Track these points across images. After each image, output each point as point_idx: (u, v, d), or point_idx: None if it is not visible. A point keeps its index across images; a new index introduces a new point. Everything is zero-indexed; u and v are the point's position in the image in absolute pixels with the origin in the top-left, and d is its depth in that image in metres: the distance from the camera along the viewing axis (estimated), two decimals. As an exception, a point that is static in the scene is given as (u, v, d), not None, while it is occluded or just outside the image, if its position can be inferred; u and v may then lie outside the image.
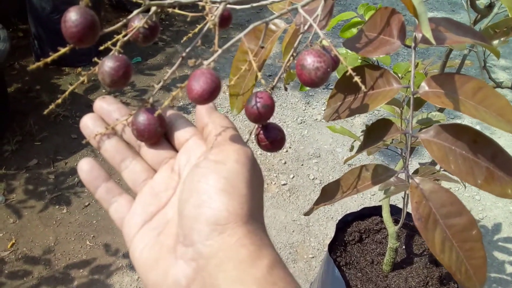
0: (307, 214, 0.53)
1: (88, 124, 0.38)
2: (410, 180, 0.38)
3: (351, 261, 1.18)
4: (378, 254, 1.20)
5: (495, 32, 0.55)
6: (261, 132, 0.40)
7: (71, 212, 1.68)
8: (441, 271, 1.17)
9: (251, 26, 0.41)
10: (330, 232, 1.68)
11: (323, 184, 1.86)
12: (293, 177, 1.90)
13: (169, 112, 0.39)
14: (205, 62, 0.33)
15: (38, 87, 2.22)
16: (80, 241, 1.58)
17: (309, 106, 2.30)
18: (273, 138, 0.39)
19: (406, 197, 1.03)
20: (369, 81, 0.41)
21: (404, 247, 1.22)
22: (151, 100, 0.39)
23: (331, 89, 2.42)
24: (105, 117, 0.38)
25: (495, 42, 0.70)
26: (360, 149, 0.43)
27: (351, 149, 1.19)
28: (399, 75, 0.92)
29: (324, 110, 2.31)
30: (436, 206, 0.38)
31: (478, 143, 0.38)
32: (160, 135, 0.38)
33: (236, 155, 0.32)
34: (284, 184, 1.86)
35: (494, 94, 0.37)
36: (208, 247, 0.29)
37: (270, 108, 0.37)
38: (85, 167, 0.37)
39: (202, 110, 0.36)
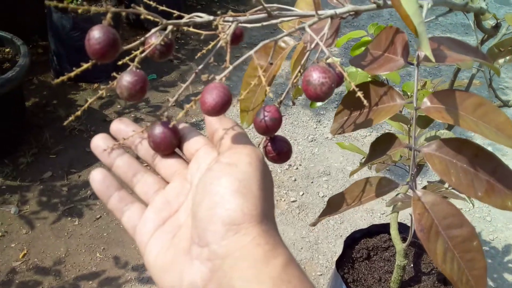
0: (313, 225, 0.54)
1: (99, 144, 0.40)
2: (413, 193, 0.40)
3: (358, 278, 1.19)
4: (385, 271, 1.20)
5: (499, 51, 0.57)
6: (269, 144, 0.42)
7: (82, 224, 1.71)
8: (450, 291, 1.16)
9: (261, 44, 0.43)
10: (338, 250, 1.67)
11: (332, 202, 1.87)
12: (303, 194, 1.91)
13: (181, 125, 0.41)
14: (217, 77, 0.35)
15: (55, 102, 2.27)
16: (91, 253, 1.60)
17: (320, 125, 2.31)
18: (279, 150, 0.41)
19: (412, 219, 1.04)
20: (374, 97, 0.43)
21: (412, 265, 1.22)
22: (166, 114, 0.41)
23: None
24: (122, 137, 0.40)
25: (501, 61, 0.72)
26: (365, 162, 0.45)
27: (360, 166, 1.20)
28: (408, 93, 0.94)
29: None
30: (438, 218, 0.39)
31: (479, 157, 0.39)
32: (175, 146, 0.40)
33: (249, 158, 0.33)
34: (293, 201, 1.87)
35: (494, 110, 0.38)
36: (223, 247, 0.29)
37: (277, 121, 0.39)
38: (98, 177, 0.38)
39: (213, 121, 0.38)
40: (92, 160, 1.97)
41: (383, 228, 1.27)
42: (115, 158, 0.39)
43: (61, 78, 0.37)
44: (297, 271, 0.29)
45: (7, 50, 1.92)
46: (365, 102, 0.34)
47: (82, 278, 1.52)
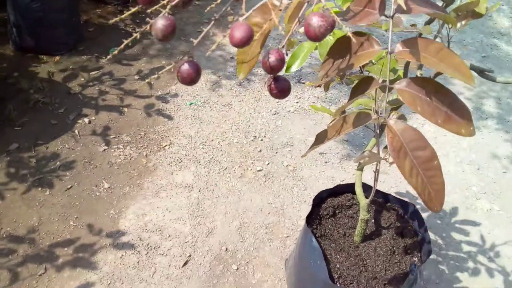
0: (304, 156, 0.62)
1: None
2: (386, 121, 0.48)
3: (325, 233, 1.29)
4: (349, 227, 1.32)
5: (457, 15, 0.66)
6: (273, 82, 0.49)
7: (53, 194, 1.73)
8: (406, 242, 1.29)
9: (260, 3, 0.50)
10: (303, 214, 1.78)
11: (296, 171, 1.97)
12: (268, 164, 2.00)
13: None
14: (241, 19, 0.42)
15: (16, 74, 2.24)
16: (64, 222, 1.63)
17: (283, 99, 2.40)
18: (281, 87, 0.49)
19: (376, 173, 1.15)
20: (355, 46, 0.51)
21: (373, 221, 1.33)
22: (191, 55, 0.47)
23: (302, 83, 2.54)
24: None
25: (459, 25, 0.81)
26: (349, 101, 0.53)
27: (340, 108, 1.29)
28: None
29: (294, 103, 2.40)
30: (406, 141, 0.48)
31: (439, 93, 0.48)
32: (197, 80, 0.47)
33: None
34: (259, 170, 1.96)
35: (451, 54, 0.48)
36: None
37: (281, 62, 0.47)
38: None
39: None
40: (59, 132, 1.98)
41: (347, 188, 1.38)
42: None
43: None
44: None
45: (-32, 19, 1.88)
46: (353, 39, 0.42)
47: (57, 245, 1.56)
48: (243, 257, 1.61)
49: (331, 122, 0.55)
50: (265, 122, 2.22)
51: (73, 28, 2.49)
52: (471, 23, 3.07)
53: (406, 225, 1.33)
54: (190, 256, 1.59)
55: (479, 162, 2.15)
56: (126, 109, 2.17)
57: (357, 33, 0.50)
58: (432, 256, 1.69)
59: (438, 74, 0.92)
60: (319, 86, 1.21)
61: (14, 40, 2.36)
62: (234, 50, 2.71)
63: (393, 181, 1.98)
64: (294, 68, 1.03)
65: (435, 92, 0.48)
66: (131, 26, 2.75)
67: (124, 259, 1.55)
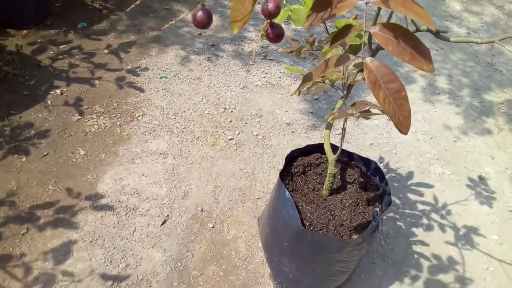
0: (292, 94, 0.73)
1: None
2: (364, 60, 0.60)
3: (296, 188, 1.42)
4: (318, 183, 1.45)
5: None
6: (269, 28, 0.60)
7: (30, 160, 1.77)
8: (368, 195, 1.43)
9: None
10: (273, 179, 1.91)
11: (265, 139, 2.09)
12: (239, 133, 2.10)
13: None
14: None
15: (-17, 46, 2.22)
16: (42, 186, 1.68)
17: (250, 74, 2.50)
18: (277, 32, 0.60)
19: (343, 132, 1.27)
20: (336, 1, 0.62)
21: (339, 177, 1.47)
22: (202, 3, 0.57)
23: (269, 59, 2.65)
24: None
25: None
26: (331, 46, 0.64)
27: (298, 93, 1.41)
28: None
29: (261, 77, 2.50)
30: (380, 75, 0.60)
31: (405, 36, 0.60)
32: (209, 24, 0.56)
33: None
34: (230, 139, 2.06)
35: (414, 4, 0.59)
36: None
37: (278, 8, 0.57)
38: None
39: None
40: (31, 103, 2.00)
41: (316, 148, 1.50)
42: None
43: None
44: None
45: None
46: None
47: (37, 208, 1.61)
48: (218, 217, 1.72)
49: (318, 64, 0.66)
50: (234, 95, 2.32)
51: (40, 3, 2.48)
52: (424, 6, 3.26)
53: (369, 180, 1.48)
54: (168, 216, 1.68)
55: (432, 133, 2.33)
56: (97, 82, 2.21)
57: (339, -13, 0.61)
58: (390, 214, 1.86)
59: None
60: (291, 52, 1.32)
61: (-21, 11, 2.33)
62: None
63: (355, 149, 2.13)
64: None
65: (402, 35, 0.60)
66: (98, 2, 2.76)
67: (104, 219, 1.62)
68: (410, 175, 2.08)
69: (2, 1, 2.28)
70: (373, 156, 2.12)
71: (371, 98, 2.46)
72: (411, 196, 1.96)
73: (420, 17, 0.58)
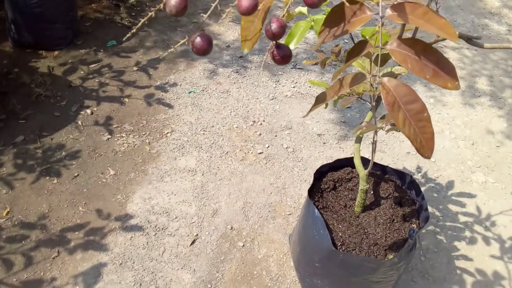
0: (305, 116, 0.68)
1: None
2: (381, 79, 0.54)
3: (327, 206, 1.35)
4: (350, 199, 1.38)
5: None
6: (275, 49, 0.55)
7: (61, 182, 1.78)
8: (404, 211, 1.35)
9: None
10: (304, 193, 1.84)
11: (296, 152, 2.03)
12: (268, 146, 2.05)
13: None
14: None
15: (16, 70, 2.28)
16: (73, 208, 1.69)
17: (279, 84, 2.45)
18: (283, 54, 0.55)
19: (374, 145, 1.20)
20: (349, 14, 0.57)
21: (372, 192, 1.39)
22: (203, 28, 0.52)
23: (299, 68, 2.59)
24: None
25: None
26: (346, 63, 0.59)
27: (326, 106, 1.35)
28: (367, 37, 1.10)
29: (291, 87, 2.45)
30: (399, 96, 0.54)
31: (427, 52, 0.54)
32: (210, 51, 0.52)
33: None
34: (260, 153, 2.01)
35: (436, 16, 0.53)
36: None
37: (282, 29, 0.52)
38: None
39: None
40: (62, 123, 2.02)
41: (347, 163, 1.44)
42: None
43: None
44: None
45: (-30, 16, 1.92)
46: (347, 6, 0.48)
47: (68, 230, 1.61)
48: (249, 235, 1.67)
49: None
50: (263, 107, 2.27)
51: (71, 23, 2.52)
52: (462, 4, 3.13)
53: (404, 194, 1.39)
54: (197, 235, 1.65)
55: (473, 138, 2.21)
56: (126, 100, 2.22)
57: (350, 2, 0.56)
58: (430, 227, 1.76)
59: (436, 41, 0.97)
60: (316, 63, 1.26)
61: (13, 36, 2.40)
62: (229, 39, 2.75)
63: (390, 159, 2.04)
64: (291, 47, 1.08)
65: (423, 51, 0.54)
66: (127, 19, 2.79)
67: (133, 240, 1.61)
68: (450, 184, 1.97)
69: (33, 23, 2.33)
70: (410, 165, 2.02)
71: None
72: (452, 207, 1.85)
73: (443, 31, 0.52)
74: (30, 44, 2.42)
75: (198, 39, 0.50)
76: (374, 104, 1.16)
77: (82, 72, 2.35)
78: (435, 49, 0.54)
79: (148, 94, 2.27)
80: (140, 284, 1.49)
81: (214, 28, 2.81)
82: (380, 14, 0.54)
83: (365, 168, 1.31)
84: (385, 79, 0.53)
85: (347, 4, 0.52)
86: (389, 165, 1.99)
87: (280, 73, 2.53)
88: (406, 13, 0.53)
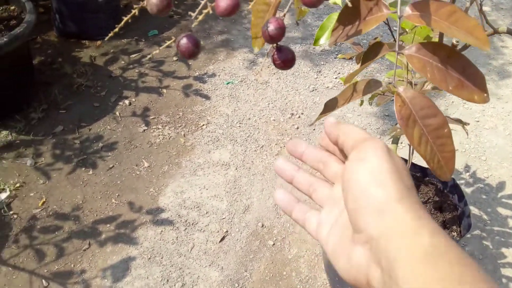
0: (311, 125, 0.61)
1: (283, 166, 0.47)
2: (395, 89, 0.46)
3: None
4: (384, 203, 1.29)
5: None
6: (275, 53, 0.48)
7: (96, 173, 1.79)
8: (444, 217, 1.25)
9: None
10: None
11: (334, 147, 1.95)
12: (306, 140, 1.98)
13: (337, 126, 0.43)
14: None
15: (60, 59, 2.32)
16: (106, 200, 1.70)
17: (321, 75, 2.36)
18: (285, 58, 0.48)
19: (411, 148, 1.11)
20: (364, 11, 0.49)
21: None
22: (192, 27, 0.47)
23: (343, 58, 2.48)
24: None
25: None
26: (362, 66, 0.51)
27: (361, 103, 1.27)
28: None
29: (333, 78, 2.36)
30: (415, 109, 0.46)
31: (451, 58, 0.46)
32: (196, 54, 0.46)
33: (372, 151, 0.37)
34: (296, 147, 1.94)
35: (465, 17, 0.45)
36: (374, 229, 0.34)
37: (280, 30, 0.45)
38: (281, 195, 0.47)
39: (330, 129, 0.42)
40: (100, 114, 2.04)
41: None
42: (295, 174, 0.47)
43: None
44: (444, 239, 0.32)
45: (13, 7, 1.96)
46: (349, 3, 0.41)
47: (100, 222, 1.62)
48: (279, 233, 1.62)
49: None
50: (302, 99, 2.20)
51: (113, 13, 2.54)
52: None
53: (445, 199, 1.29)
54: (227, 232, 1.61)
55: (529, 135, 2.04)
56: (165, 90, 2.21)
57: (365, -2, 0.48)
58: (475, 232, 1.63)
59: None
60: (351, 58, 1.18)
61: (58, 26, 2.44)
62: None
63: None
64: (322, 41, 1.00)
65: (448, 57, 0.46)
66: (168, 7, 2.77)
67: (163, 235, 1.60)
68: (501, 185, 1.82)
69: (77, 13, 2.36)
70: (457, 164, 1.88)
71: (451, 104, 2.22)
72: (502, 211, 1.72)
73: (472, 35, 0.43)
74: (74, 34, 2.46)
75: (183, 40, 0.44)
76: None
77: (123, 62, 2.37)
78: (462, 55, 0.46)
79: (186, 85, 2.25)
80: (167, 280, 1.47)
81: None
82: (398, 14, 0.47)
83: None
84: (401, 88, 0.46)
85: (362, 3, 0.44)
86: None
87: (322, 63, 2.43)
88: (430, 13, 0.45)
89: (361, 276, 0.35)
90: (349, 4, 0.42)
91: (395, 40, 1.04)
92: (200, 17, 0.42)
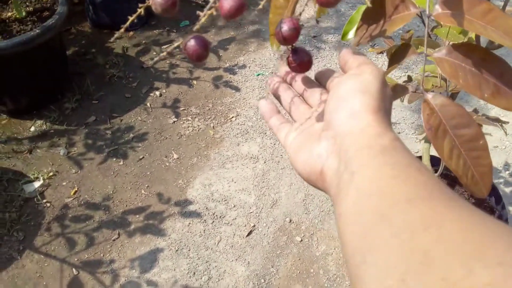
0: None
1: (274, 81, 0.52)
2: (424, 95, 0.43)
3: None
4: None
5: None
6: (291, 55, 0.45)
7: (127, 164, 1.81)
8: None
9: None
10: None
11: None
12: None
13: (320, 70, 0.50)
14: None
15: (93, 50, 2.35)
16: (136, 190, 1.72)
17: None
18: (300, 60, 0.45)
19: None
20: (389, 9, 0.46)
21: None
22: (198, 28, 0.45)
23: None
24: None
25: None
26: (389, 68, 0.48)
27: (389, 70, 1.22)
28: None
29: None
30: (445, 118, 0.42)
31: (487, 61, 0.42)
32: (205, 56, 0.44)
33: (370, 70, 0.40)
34: (327, 141, 1.91)
35: (503, 15, 0.41)
36: (344, 128, 0.37)
37: (293, 31, 0.43)
38: (264, 103, 0.50)
39: (345, 54, 0.44)
40: (132, 105, 2.06)
41: (414, 161, 1.29)
42: (282, 92, 0.51)
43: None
44: (402, 144, 0.35)
45: (46, -1, 1.99)
46: (368, 3, 0.37)
47: (129, 213, 1.64)
48: (308, 229, 1.59)
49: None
50: (334, 91, 2.15)
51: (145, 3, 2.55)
52: None
53: (482, 201, 1.23)
54: (254, 226, 1.60)
55: None
56: (195, 82, 2.21)
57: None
58: (513, 234, 1.56)
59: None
60: (381, 52, 1.13)
61: (91, 17, 2.47)
62: (303, 17, 2.63)
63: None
64: (350, 35, 0.96)
65: (482, 60, 0.42)
66: (201, -3, 2.76)
67: (191, 227, 1.60)
68: (543, 185, 1.73)
69: (110, 3, 2.37)
70: (497, 162, 1.80)
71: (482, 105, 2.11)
72: (544, 212, 1.63)
73: (508, 36, 0.39)
74: (107, 25, 2.48)
75: (191, 42, 0.42)
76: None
77: (154, 53, 2.37)
78: (499, 58, 0.42)
79: (216, 76, 2.23)
80: (194, 273, 1.48)
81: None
82: (427, 12, 0.43)
83: (436, 170, 1.18)
84: (429, 95, 0.42)
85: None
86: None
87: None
88: (463, 11, 0.41)
89: (317, 165, 0.39)
90: (369, 4, 0.38)
91: (430, 37, 0.99)
92: (203, 19, 0.40)
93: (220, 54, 2.37)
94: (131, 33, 2.49)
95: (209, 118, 2.02)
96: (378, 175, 0.32)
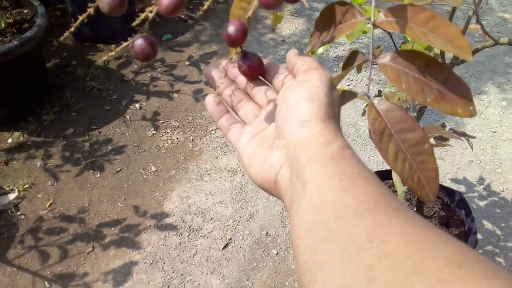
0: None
1: (213, 75, 0.51)
2: (370, 99, 0.44)
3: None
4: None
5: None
6: (240, 59, 0.46)
7: (104, 176, 1.80)
8: (451, 232, 1.20)
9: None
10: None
11: (344, 155, 1.91)
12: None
13: (266, 61, 0.49)
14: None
15: (74, 63, 2.34)
16: (112, 203, 1.70)
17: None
18: (250, 64, 0.46)
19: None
20: (339, 17, 0.47)
21: (415, 209, 1.26)
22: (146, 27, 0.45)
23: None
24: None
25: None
26: (343, 70, 0.49)
27: (363, 113, 1.23)
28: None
29: (345, 85, 2.32)
30: (391, 122, 0.43)
31: (431, 67, 0.43)
32: (152, 56, 0.44)
33: (318, 76, 0.41)
34: (305, 155, 1.91)
35: (445, 23, 0.42)
36: (295, 137, 0.38)
37: (240, 32, 0.43)
38: (211, 100, 0.49)
39: (292, 56, 0.44)
40: (111, 118, 2.05)
41: (387, 175, 1.31)
42: (225, 88, 0.50)
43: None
44: (351, 152, 0.37)
45: (26, 11, 1.99)
46: (306, 4, 0.38)
47: (105, 225, 1.62)
48: (284, 242, 1.59)
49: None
50: (314, 106, 2.17)
51: (128, 17, 2.55)
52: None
53: (452, 214, 1.25)
54: (230, 239, 1.59)
55: (549, 147, 1.96)
56: (175, 95, 2.21)
57: (340, 3, 0.46)
58: (488, 247, 1.58)
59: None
60: (352, 67, 1.14)
61: (73, 30, 2.47)
62: (285, 33, 2.66)
63: (450, 168, 1.86)
64: (321, 50, 0.98)
65: (427, 66, 0.43)
66: (184, 12, 2.78)
67: (167, 240, 1.59)
68: (517, 199, 1.76)
69: (92, 17, 2.37)
70: (471, 176, 1.83)
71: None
72: (517, 226, 1.65)
73: (452, 43, 0.40)
74: (89, 38, 2.48)
75: (138, 42, 0.42)
76: (415, 114, 1.03)
77: (135, 66, 2.38)
78: (442, 64, 0.43)
79: (197, 90, 2.24)
80: (168, 286, 1.46)
81: (269, 21, 2.73)
82: (372, 20, 0.44)
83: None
84: (376, 100, 0.43)
85: (336, 9, 0.42)
86: (448, 175, 1.82)
87: (335, 69, 2.40)
88: (407, 19, 0.43)
89: (271, 175, 0.39)
90: (306, 5, 0.39)
91: (396, 47, 1.01)
92: (143, 16, 0.40)
93: (201, 68, 2.38)
94: (112, 46, 2.48)
95: (189, 131, 2.02)
96: (326, 186, 0.33)
